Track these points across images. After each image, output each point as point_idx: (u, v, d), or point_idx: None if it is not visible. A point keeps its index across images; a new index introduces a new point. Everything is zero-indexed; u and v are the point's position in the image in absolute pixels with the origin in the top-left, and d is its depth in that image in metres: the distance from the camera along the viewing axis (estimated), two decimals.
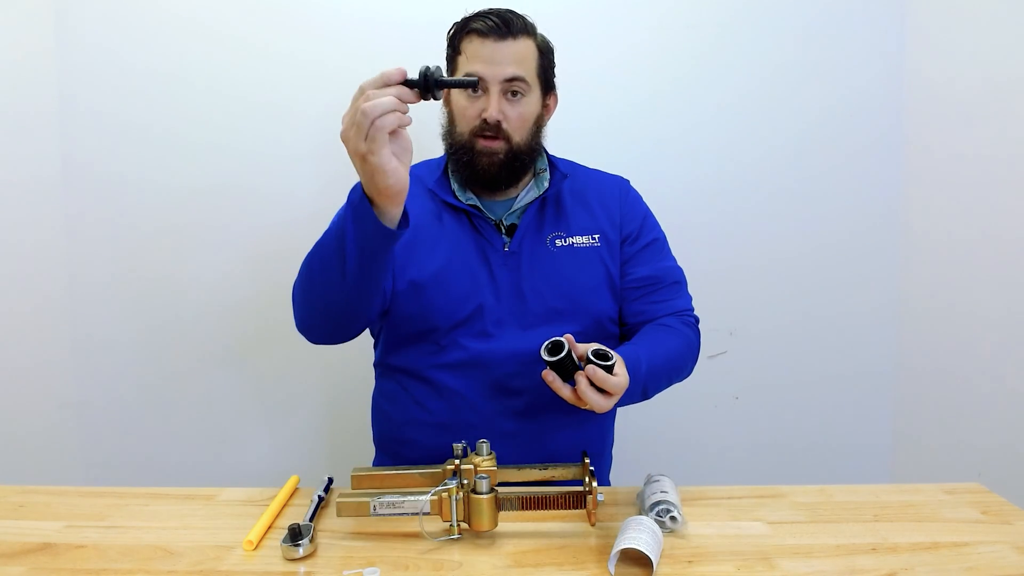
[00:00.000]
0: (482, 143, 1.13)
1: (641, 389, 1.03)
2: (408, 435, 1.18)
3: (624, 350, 1.01)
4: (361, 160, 0.85)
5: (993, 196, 1.51)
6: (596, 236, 1.18)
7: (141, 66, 1.62)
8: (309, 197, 1.66)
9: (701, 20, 1.65)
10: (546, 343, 0.93)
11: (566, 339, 0.93)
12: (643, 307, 1.18)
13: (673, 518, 0.87)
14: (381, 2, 1.62)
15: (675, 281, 1.21)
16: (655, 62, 1.66)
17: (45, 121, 1.62)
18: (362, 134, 0.83)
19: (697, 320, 1.21)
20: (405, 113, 0.84)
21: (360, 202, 0.90)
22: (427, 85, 0.84)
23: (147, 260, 1.67)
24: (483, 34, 1.11)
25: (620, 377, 0.92)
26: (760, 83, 1.67)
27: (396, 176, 0.86)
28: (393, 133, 0.84)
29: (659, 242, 1.23)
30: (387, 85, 0.83)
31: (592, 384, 0.91)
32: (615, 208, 1.21)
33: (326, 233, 1.00)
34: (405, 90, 0.84)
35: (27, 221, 1.61)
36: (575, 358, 0.93)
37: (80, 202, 1.66)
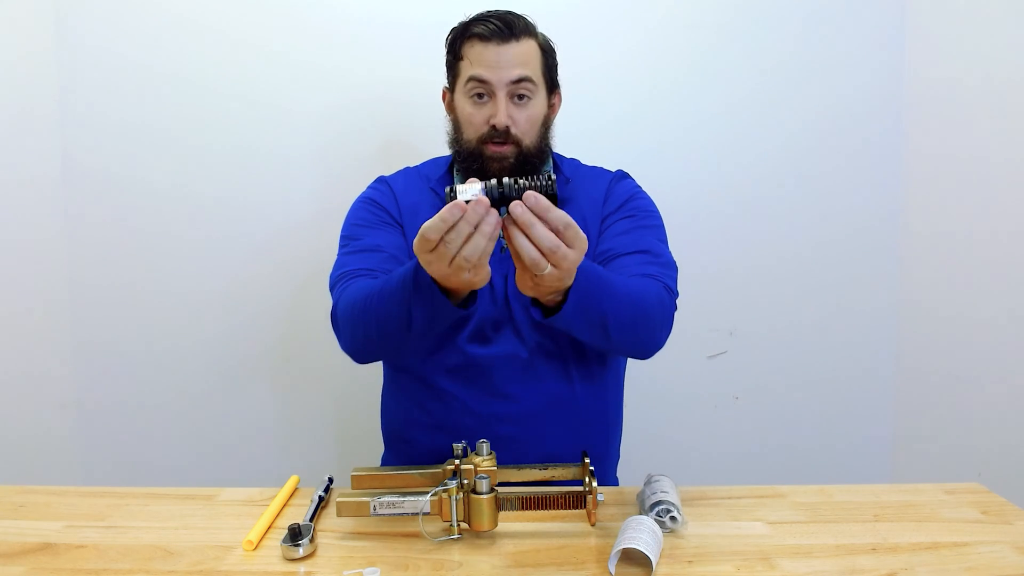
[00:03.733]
0: (492, 149, 1.11)
1: (597, 302, 0.90)
2: (409, 434, 1.18)
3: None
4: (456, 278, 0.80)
5: (993, 196, 1.51)
6: None
7: (141, 66, 1.62)
8: (311, 196, 1.66)
9: (701, 20, 1.65)
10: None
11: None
12: None
13: (673, 518, 0.87)
14: (381, 2, 1.62)
15: (643, 250, 1.08)
16: (654, 62, 1.66)
17: (45, 121, 1.62)
18: (464, 270, 0.79)
19: (671, 289, 1.06)
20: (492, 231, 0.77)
21: (429, 288, 0.85)
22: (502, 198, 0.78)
23: (147, 260, 1.67)
24: (485, 38, 1.09)
25: (566, 217, 0.77)
26: (760, 83, 1.67)
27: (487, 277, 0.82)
28: None
29: (636, 218, 1.14)
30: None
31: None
32: (600, 198, 1.18)
33: (382, 290, 0.94)
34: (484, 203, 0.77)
35: (27, 221, 1.61)
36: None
37: (80, 202, 1.66)
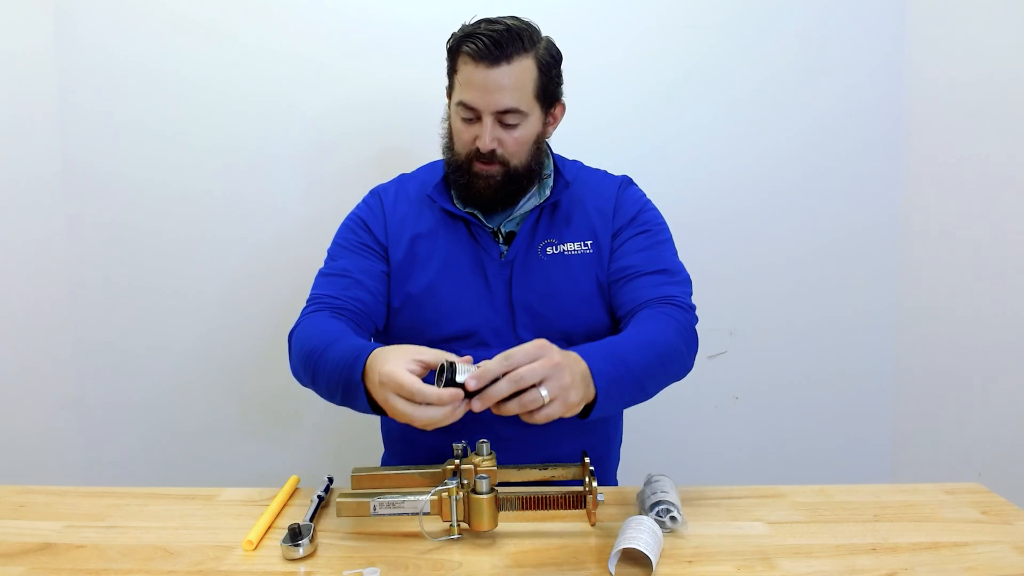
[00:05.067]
0: (478, 166, 1.10)
1: (628, 380, 0.91)
2: (410, 434, 1.18)
3: (578, 348, 0.91)
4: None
5: (993, 196, 1.51)
6: (588, 243, 1.14)
7: (141, 66, 1.62)
8: (311, 196, 1.66)
9: (701, 21, 1.65)
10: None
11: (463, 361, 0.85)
12: (624, 298, 1.09)
13: (673, 518, 0.87)
14: (381, 2, 1.62)
15: (661, 269, 1.10)
16: (654, 63, 1.66)
17: (45, 121, 1.62)
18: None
19: (691, 307, 1.09)
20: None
21: (356, 391, 0.88)
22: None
23: (147, 260, 1.67)
24: (475, 59, 1.05)
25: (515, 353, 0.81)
26: (760, 83, 1.67)
27: None
28: None
29: (650, 234, 1.15)
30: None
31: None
32: (610, 208, 1.17)
33: (324, 353, 0.96)
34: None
35: (27, 221, 1.61)
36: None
37: (80, 202, 1.66)
